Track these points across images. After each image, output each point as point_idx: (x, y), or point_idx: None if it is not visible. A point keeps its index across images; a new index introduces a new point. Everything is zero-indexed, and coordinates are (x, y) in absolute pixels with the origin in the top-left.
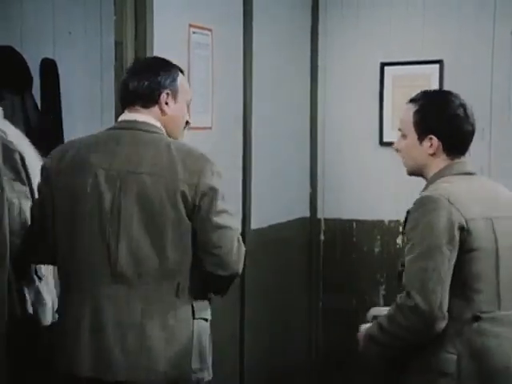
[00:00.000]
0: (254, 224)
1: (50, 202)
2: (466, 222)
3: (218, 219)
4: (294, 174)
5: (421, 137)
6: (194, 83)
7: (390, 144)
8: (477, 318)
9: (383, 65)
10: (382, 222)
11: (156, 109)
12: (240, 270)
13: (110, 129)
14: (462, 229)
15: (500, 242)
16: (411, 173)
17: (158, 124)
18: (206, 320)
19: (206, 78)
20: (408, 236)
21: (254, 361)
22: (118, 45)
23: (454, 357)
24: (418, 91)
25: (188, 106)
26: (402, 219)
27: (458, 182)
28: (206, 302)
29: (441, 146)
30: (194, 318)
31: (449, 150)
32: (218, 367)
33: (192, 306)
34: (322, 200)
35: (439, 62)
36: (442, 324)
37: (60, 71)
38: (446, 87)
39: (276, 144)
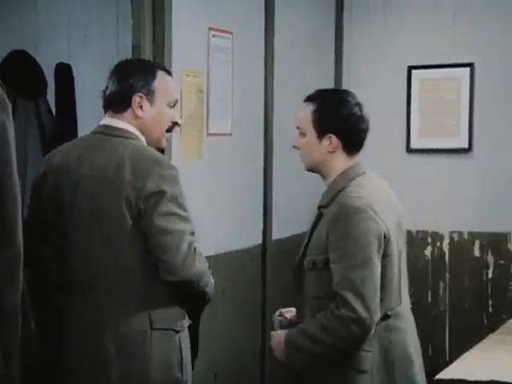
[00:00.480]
0: (276, 234)
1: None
2: (388, 231)
3: (164, 222)
4: (317, 182)
5: (320, 135)
6: (214, 88)
7: (417, 151)
8: (386, 317)
9: (411, 68)
10: (409, 232)
11: (129, 113)
12: (193, 277)
13: (90, 133)
14: (384, 237)
15: (400, 245)
16: (309, 169)
17: (131, 128)
18: (176, 331)
19: (226, 82)
20: (337, 243)
21: (277, 373)
22: (136, 48)
23: (370, 354)
24: (449, 96)
25: (173, 107)
26: (430, 229)
27: (368, 185)
28: (177, 312)
29: (340, 144)
30: (152, 329)
31: (347, 148)
32: (239, 376)
33: (149, 316)
34: None
35: (470, 65)
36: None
37: (75, 75)
38: (476, 91)
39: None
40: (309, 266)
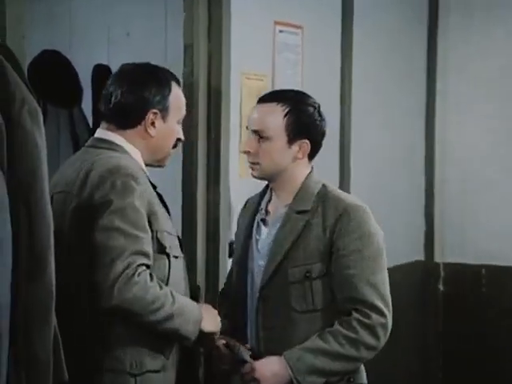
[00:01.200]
0: None
1: None
2: None
3: (100, 237)
4: (404, 206)
5: (291, 141)
6: None
7: None
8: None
9: None
10: None
11: (137, 131)
12: (124, 303)
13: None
14: None
15: None
16: (264, 177)
17: (120, 141)
18: (133, 374)
19: (295, 86)
20: (350, 246)
21: None
22: (188, 48)
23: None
24: None
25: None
26: None
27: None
28: (138, 350)
29: (308, 151)
30: (104, 370)
31: (313, 154)
32: None
33: (94, 354)
34: (440, 240)
35: None
36: None
37: None
38: None
39: (380, 169)
40: (298, 277)
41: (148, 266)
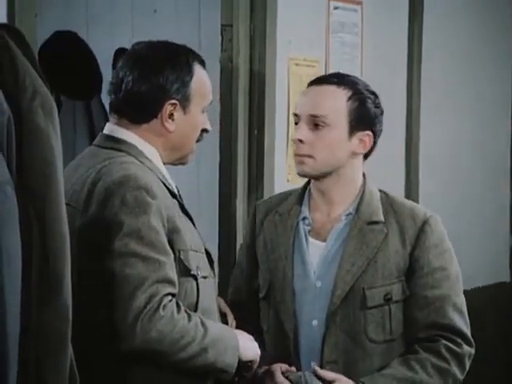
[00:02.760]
0: None
1: None
2: None
3: (115, 265)
4: (485, 219)
5: (353, 131)
6: None
7: None
8: None
9: None
10: None
11: (153, 125)
12: (147, 345)
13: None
14: None
15: None
16: (317, 175)
17: (143, 145)
18: None
19: (352, 72)
20: (433, 264)
21: None
22: (226, 29)
23: None
24: None
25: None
26: None
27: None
28: None
29: (370, 146)
30: None
31: (370, 151)
32: None
33: None
34: None
35: None
36: None
37: None
38: None
39: (455, 175)
40: (377, 301)
41: (174, 295)
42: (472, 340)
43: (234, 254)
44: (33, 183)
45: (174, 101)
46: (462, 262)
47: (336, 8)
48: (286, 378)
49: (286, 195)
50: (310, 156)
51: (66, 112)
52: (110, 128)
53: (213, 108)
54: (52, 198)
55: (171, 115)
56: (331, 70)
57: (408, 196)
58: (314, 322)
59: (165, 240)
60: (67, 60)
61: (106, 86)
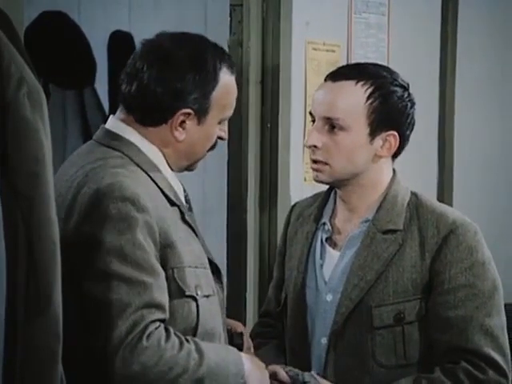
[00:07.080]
0: None
1: None
2: None
3: (97, 288)
4: None
5: (374, 132)
6: None
7: None
8: None
9: None
10: None
11: (161, 130)
12: (130, 377)
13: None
14: None
15: None
16: (334, 183)
17: (146, 145)
18: None
19: (378, 59)
20: (459, 279)
21: None
22: (235, 9)
23: None
24: None
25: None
26: None
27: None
28: None
29: (396, 147)
30: None
31: (399, 151)
32: None
33: None
34: None
35: None
36: None
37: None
38: None
39: (491, 178)
40: (386, 321)
41: (163, 320)
42: (504, 367)
43: (244, 265)
44: (19, 183)
45: (188, 110)
46: (500, 272)
47: None
48: (286, 373)
49: (317, 196)
50: (324, 163)
51: (56, 103)
52: (112, 122)
53: None
54: (41, 200)
55: (183, 123)
56: (353, 56)
57: (440, 196)
58: (323, 340)
59: (153, 258)
60: (56, 44)
61: (100, 75)
